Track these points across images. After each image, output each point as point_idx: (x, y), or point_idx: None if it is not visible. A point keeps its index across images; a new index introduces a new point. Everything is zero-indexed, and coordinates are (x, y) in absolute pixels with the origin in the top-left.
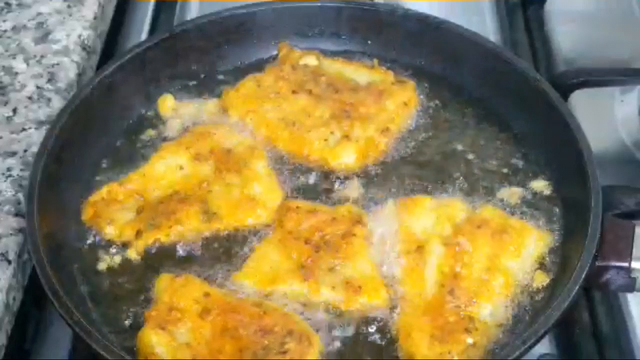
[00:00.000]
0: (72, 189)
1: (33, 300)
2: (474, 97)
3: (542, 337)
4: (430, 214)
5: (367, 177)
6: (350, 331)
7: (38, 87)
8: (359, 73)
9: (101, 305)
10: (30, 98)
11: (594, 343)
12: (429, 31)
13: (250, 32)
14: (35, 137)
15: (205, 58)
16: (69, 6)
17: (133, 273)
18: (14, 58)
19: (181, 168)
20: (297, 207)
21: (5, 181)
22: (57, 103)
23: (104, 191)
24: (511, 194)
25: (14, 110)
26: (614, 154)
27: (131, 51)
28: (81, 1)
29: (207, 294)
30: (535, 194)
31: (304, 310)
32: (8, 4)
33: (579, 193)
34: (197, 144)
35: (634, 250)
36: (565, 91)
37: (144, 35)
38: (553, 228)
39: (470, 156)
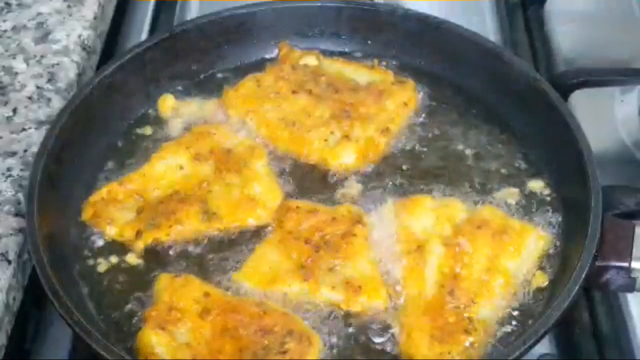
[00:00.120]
0: (72, 189)
1: (33, 300)
2: (474, 97)
3: (542, 337)
4: (430, 214)
5: (367, 177)
6: (350, 331)
7: (38, 87)
8: (359, 73)
9: (101, 305)
10: (30, 98)
11: (594, 343)
12: (429, 31)
13: (250, 32)
14: (35, 137)
15: (205, 58)
16: (69, 6)
17: (133, 273)
18: (14, 58)
19: (181, 168)
20: (297, 207)
21: (5, 181)
22: (57, 103)
23: (104, 191)
24: (511, 194)
25: (14, 110)
26: (614, 154)
27: (131, 51)
28: (81, 1)
29: (207, 294)
30: (535, 194)
31: (304, 310)
32: (8, 4)
33: (579, 193)
34: (197, 144)
35: (634, 250)
36: (565, 91)
37: (144, 35)
38: (553, 228)
39: (470, 156)
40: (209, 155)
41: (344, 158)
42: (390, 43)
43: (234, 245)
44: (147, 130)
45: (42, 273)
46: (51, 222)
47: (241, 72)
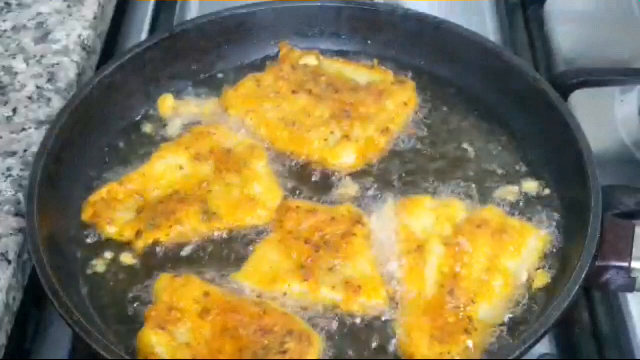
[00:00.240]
0: (72, 189)
1: (33, 300)
2: (474, 97)
3: (542, 337)
4: (430, 214)
5: (367, 177)
6: (350, 331)
7: (38, 87)
8: (359, 73)
9: (101, 305)
10: (30, 98)
11: (594, 343)
12: (429, 31)
13: (250, 32)
14: (35, 137)
15: (205, 58)
16: (69, 6)
17: (133, 273)
18: (14, 58)
19: (181, 168)
20: (297, 207)
21: (5, 181)
22: (57, 103)
23: (104, 191)
24: (511, 193)
25: (14, 110)
26: (614, 154)
27: (131, 51)
28: (81, 1)
29: (207, 294)
30: (535, 193)
31: (304, 310)
32: (8, 4)
33: (579, 193)
34: (197, 144)
35: (634, 250)
36: (565, 91)
37: (144, 35)
38: (553, 228)
39: (470, 156)
40: (209, 155)
41: (344, 158)
42: (390, 43)
43: (234, 245)
44: (147, 130)
45: (42, 273)
46: (51, 222)
47: (241, 72)
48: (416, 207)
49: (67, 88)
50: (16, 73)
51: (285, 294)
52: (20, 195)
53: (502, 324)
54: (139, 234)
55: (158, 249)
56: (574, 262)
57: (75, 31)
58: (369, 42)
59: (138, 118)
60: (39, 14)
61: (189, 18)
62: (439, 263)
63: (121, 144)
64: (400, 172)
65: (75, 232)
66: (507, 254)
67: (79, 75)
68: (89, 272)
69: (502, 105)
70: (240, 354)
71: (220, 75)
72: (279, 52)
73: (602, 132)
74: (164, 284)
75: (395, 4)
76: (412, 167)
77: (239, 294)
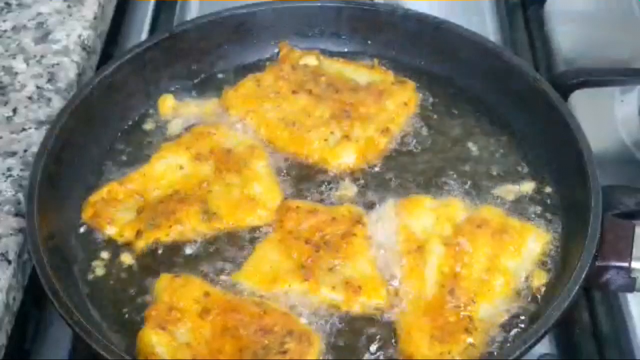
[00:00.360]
0: (72, 189)
1: (33, 300)
2: (474, 97)
3: (542, 337)
4: (430, 214)
5: (367, 177)
6: (350, 331)
7: (38, 87)
8: (359, 73)
9: (101, 305)
10: (30, 98)
11: (594, 343)
12: (429, 31)
13: (250, 32)
14: (35, 137)
15: (205, 58)
16: (69, 6)
17: (133, 273)
18: (14, 58)
19: (181, 168)
20: (297, 207)
21: (5, 181)
22: (57, 103)
23: (104, 191)
24: (511, 193)
25: (14, 110)
26: (614, 154)
27: (131, 51)
28: (81, 1)
29: (207, 294)
30: (535, 193)
31: (304, 310)
32: (8, 4)
33: (579, 193)
34: (197, 144)
35: (634, 250)
36: (565, 91)
37: (144, 35)
38: (553, 228)
39: (470, 156)
40: (209, 155)
41: (344, 158)
42: (390, 43)
43: (234, 245)
44: (147, 131)
45: (42, 273)
46: (51, 222)
47: (241, 72)
48: (416, 207)
49: (67, 88)
50: (16, 73)
51: (285, 293)
52: (20, 195)
53: (502, 324)
54: (139, 233)
55: (158, 249)
56: (574, 262)
57: (75, 31)
58: (369, 42)
59: (138, 118)
60: (39, 14)
61: (189, 18)
62: (439, 263)
63: (121, 144)
64: (400, 172)
65: (75, 232)
66: (507, 253)
67: (79, 75)
68: (89, 272)
69: (502, 105)
70: (240, 354)
71: (220, 75)
72: (279, 52)
73: (602, 132)
74: (164, 284)
75: (395, 4)
76: (412, 167)
77: (239, 293)
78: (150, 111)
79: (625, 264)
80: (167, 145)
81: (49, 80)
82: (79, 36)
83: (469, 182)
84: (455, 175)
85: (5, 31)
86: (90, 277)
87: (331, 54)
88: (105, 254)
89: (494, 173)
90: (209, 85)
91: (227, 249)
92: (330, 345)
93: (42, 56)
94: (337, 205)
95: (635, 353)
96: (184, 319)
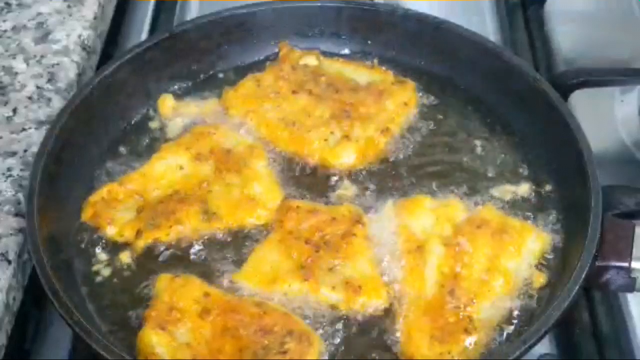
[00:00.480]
0: (72, 189)
1: (33, 300)
2: (474, 97)
3: (542, 337)
4: (430, 214)
5: (366, 177)
6: (350, 331)
7: (38, 87)
8: (359, 73)
9: (101, 305)
10: (30, 98)
11: (594, 343)
12: (429, 31)
13: (250, 32)
14: (35, 137)
15: (205, 58)
16: (69, 6)
17: (133, 273)
18: (14, 58)
19: (181, 168)
20: (297, 207)
21: (5, 181)
22: (57, 103)
23: (104, 191)
24: (511, 193)
25: (14, 110)
26: (614, 154)
27: (131, 51)
28: (81, 1)
29: (207, 294)
30: (534, 193)
31: (304, 310)
32: (8, 4)
33: (579, 193)
34: (197, 144)
35: (634, 250)
36: (565, 91)
37: (144, 35)
38: (553, 228)
39: (470, 156)
40: (209, 155)
41: (344, 158)
42: (390, 43)
43: (234, 245)
44: (147, 131)
45: (42, 273)
46: (51, 222)
47: (241, 72)
48: (416, 207)
49: (67, 88)
50: (16, 73)
51: (285, 294)
52: (20, 195)
53: (502, 324)
54: (138, 233)
55: (158, 249)
56: (574, 262)
57: (75, 31)
58: (369, 42)
59: (138, 118)
60: (39, 14)
61: (189, 18)
62: (439, 263)
63: (121, 144)
64: (400, 172)
65: (75, 232)
66: (507, 253)
67: (79, 75)
68: (89, 272)
69: (502, 105)
70: (240, 354)
71: (220, 75)
72: (279, 52)
73: (602, 132)
74: (164, 284)
75: (395, 4)
76: (412, 166)
77: (239, 294)
78: (150, 111)
79: (625, 264)
80: (167, 145)
81: (49, 80)
82: (79, 36)
83: (468, 182)
84: (454, 175)
85: (5, 31)
86: (91, 277)
87: (331, 54)
88: (105, 254)
89: (494, 173)
90: (209, 85)
91: (226, 248)
92: (330, 345)
93: (42, 56)
94: (337, 205)
95: (635, 353)
96: (184, 319)
